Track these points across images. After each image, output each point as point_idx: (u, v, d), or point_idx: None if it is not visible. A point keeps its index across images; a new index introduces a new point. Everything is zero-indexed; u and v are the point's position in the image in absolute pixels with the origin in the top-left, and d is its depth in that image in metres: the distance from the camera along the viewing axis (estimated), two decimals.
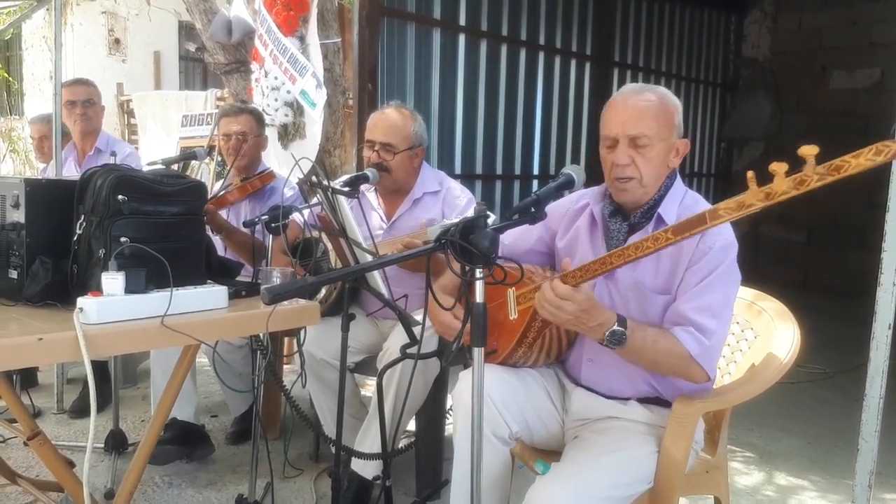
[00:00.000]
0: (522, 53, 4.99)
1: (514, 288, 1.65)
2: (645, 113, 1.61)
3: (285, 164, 3.67)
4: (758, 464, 2.94)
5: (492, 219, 1.67)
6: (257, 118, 2.96)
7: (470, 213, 2.45)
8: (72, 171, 3.36)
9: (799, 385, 3.87)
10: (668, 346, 1.54)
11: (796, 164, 1.26)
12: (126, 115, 6.89)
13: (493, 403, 1.65)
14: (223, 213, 2.86)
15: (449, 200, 2.51)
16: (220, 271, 2.01)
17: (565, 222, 1.83)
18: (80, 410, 3.18)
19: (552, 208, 1.86)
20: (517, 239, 1.87)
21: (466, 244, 1.35)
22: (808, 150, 1.21)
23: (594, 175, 1.75)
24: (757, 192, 1.29)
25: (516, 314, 1.67)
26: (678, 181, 1.71)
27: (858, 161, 1.20)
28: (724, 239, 1.60)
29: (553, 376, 1.84)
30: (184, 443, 2.62)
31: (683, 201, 1.68)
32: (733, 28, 7.39)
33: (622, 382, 1.72)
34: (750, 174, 1.28)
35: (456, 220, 1.44)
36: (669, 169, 1.67)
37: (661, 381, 1.70)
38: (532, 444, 1.82)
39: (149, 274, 1.62)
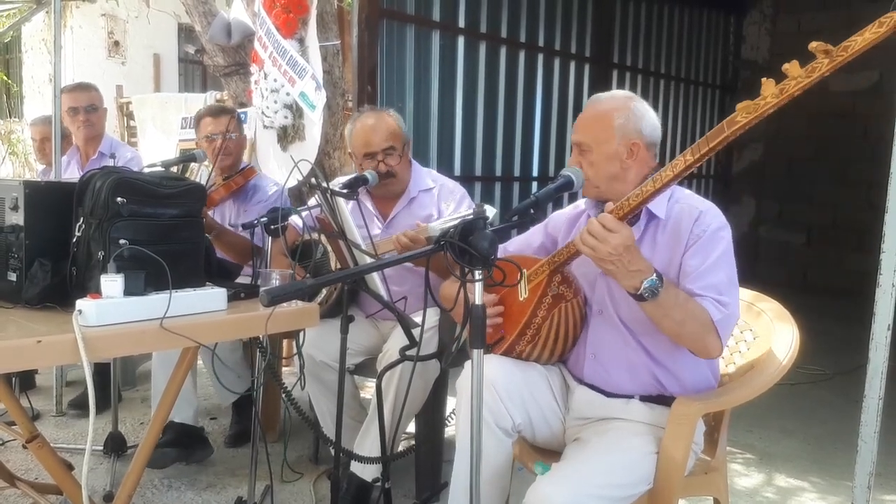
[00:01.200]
0: (521, 55, 4.99)
1: (524, 270, 1.70)
2: (585, 122, 1.76)
3: (284, 165, 3.67)
4: (757, 465, 2.94)
5: (491, 212, 1.68)
6: (237, 118, 2.98)
7: (464, 208, 2.46)
8: (74, 175, 3.36)
9: (798, 386, 3.87)
10: (694, 307, 1.55)
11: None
12: (125, 118, 6.89)
13: (497, 393, 1.66)
14: (214, 217, 2.87)
15: (444, 196, 2.51)
16: (220, 273, 2.01)
17: (565, 229, 1.89)
18: (79, 405, 3.18)
19: (554, 216, 1.96)
20: (520, 246, 1.93)
21: (465, 245, 1.35)
22: (816, 45, 1.24)
23: None
24: (770, 85, 1.30)
25: (527, 293, 1.70)
26: None
27: (864, 37, 1.24)
28: (717, 221, 1.65)
29: (558, 373, 1.85)
30: (182, 445, 2.62)
31: (674, 195, 1.72)
32: (732, 30, 7.39)
33: (624, 378, 1.73)
34: (763, 79, 1.31)
35: (455, 222, 1.44)
36: (627, 170, 1.71)
37: (665, 375, 1.71)
38: (533, 442, 1.82)
39: (148, 276, 1.62)
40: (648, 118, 1.73)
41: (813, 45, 1.23)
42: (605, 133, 1.70)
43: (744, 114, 1.35)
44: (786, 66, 1.28)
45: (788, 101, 1.30)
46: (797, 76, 1.27)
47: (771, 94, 1.30)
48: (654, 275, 1.49)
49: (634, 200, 1.51)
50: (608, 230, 1.47)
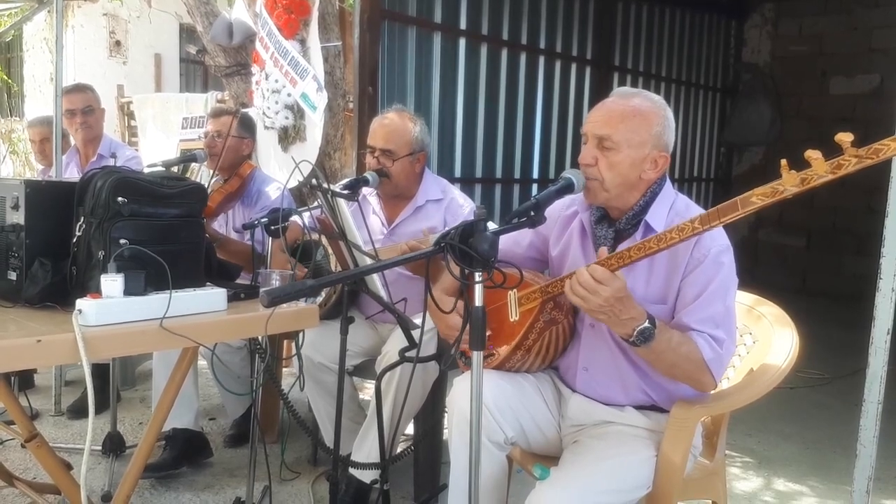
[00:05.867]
0: (523, 57, 4.99)
1: (515, 290, 1.65)
2: (617, 116, 1.60)
3: (285, 166, 3.68)
4: (756, 469, 2.94)
5: (491, 224, 1.67)
6: (240, 120, 2.91)
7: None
8: (74, 176, 3.36)
9: (797, 390, 3.87)
10: (687, 350, 1.51)
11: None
12: (126, 117, 6.90)
13: (487, 409, 1.63)
14: (217, 223, 2.85)
15: (452, 209, 2.50)
16: (220, 273, 2.01)
17: (557, 229, 1.82)
18: (78, 410, 3.18)
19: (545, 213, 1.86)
20: (510, 245, 1.84)
21: (466, 247, 1.35)
22: (844, 137, 1.20)
23: None
24: (793, 177, 1.27)
25: (517, 316, 1.67)
26: (667, 187, 1.68)
27: None
28: (718, 245, 1.57)
29: (549, 381, 1.83)
30: (183, 455, 2.62)
31: (674, 206, 1.66)
32: (733, 33, 7.40)
33: (617, 391, 1.71)
34: (783, 161, 1.27)
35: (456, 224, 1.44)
36: (643, 180, 1.62)
37: (655, 388, 1.69)
38: (529, 450, 1.81)
39: (148, 276, 1.62)
40: (673, 130, 1.66)
41: (840, 136, 1.19)
42: (639, 136, 1.59)
43: (759, 196, 1.31)
44: (808, 153, 1.23)
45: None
46: (822, 172, 1.23)
47: (791, 183, 1.26)
48: (647, 321, 1.45)
49: (636, 253, 1.45)
50: (598, 282, 1.42)
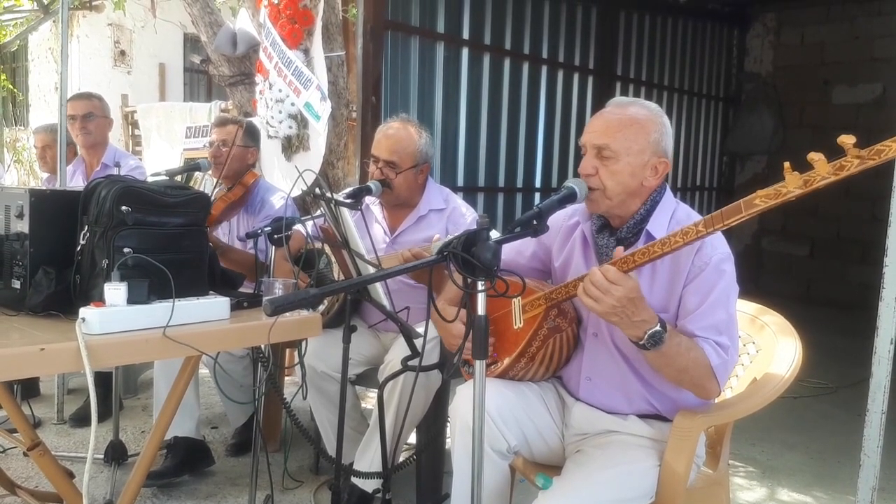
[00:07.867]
0: (525, 67, 5.01)
1: (519, 297, 1.66)
2: (614, 125, 1.61)
3: (289, 175, 3.69)
4: (760, 479, 2.92)
5: (494, 233, 1.67)
6: (245, 129, 2.92)
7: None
8: (79, 185, 3.38)
9: (801, 399, 3.85)
10: (696, 355, 1.51)
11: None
12: (130, 127, 6.93)
13: (490, 417, 1.63)
14: (220, 231, 2.86)
15: (454, 218, 2.50)
16: (223, 282, 2.01)
17: (559, 240, 1.82)
18: (80, 419, 3.18)
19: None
20: (513, 255, 1.85)
21: (468, 256, 1.35)
22: (847, 139, 1.21)
23: None
24: (796, 178, 1.27)
25: (521, 323, 1.67)
26: (667, 196, 1.68)
27: None
28: (719, 253, 1.57)
29: (552, 390, 1.82)
30: (184, 463, 2.62)
31: (675, 215, 1.66)
32: (735, 42, 7.42)
33: (620, 400, 1.71)
34: (787, 164, 1.28)
35: (458, 233, 1.44)
36: (645, 188, 1.63)
37: (658, 398, 1.69)
38: (532, 459, 1.81)
39: (151, 285, 1.63)
40: (671, 136, 1.67)
41: (842, 138, 1.19)
42: (637, 143, 1.60)
43: (763, 198, 1.32)
44: (811, 155, 1.24)
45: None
46: (824, 174, 1.23)
47: (794, 185, 1.27)
48: (658, 325, 1.45)
49: (640, 258, 1.45)
50: (611, 282, 1.42)
